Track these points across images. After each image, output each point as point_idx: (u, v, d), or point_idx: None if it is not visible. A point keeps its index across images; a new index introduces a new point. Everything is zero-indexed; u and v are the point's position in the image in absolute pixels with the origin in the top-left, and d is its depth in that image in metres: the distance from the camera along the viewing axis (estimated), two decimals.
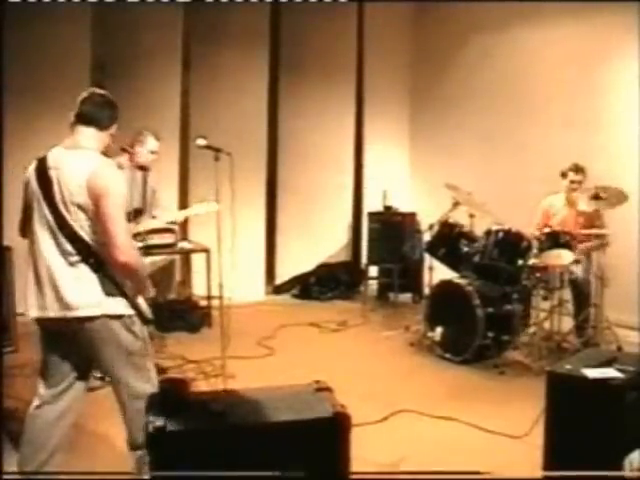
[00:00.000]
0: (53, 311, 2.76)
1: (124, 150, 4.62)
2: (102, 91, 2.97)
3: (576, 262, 5.21)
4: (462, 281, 5.32)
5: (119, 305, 2.77)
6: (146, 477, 2.63)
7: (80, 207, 2.70)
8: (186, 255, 7.03)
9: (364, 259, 7.75)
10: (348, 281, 7.73)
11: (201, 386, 4.48)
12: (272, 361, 5.31)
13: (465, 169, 7.04)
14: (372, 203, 7.80)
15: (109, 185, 2.70)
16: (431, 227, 5.75)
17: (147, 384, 2.82)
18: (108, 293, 2.75)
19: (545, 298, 5.20)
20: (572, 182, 5.51)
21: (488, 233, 5.33)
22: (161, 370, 4.78)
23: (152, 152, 4.73)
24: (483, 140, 7.19)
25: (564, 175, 5.54)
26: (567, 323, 5.31)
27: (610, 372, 2.94)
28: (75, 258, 2.74)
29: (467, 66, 7.44)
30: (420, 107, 8.13)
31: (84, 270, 2.74)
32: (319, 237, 7.86)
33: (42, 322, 2.85)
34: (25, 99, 5.78)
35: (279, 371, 4.82)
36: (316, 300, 7.48)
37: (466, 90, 7.39)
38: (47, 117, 5.58)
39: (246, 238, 6.39)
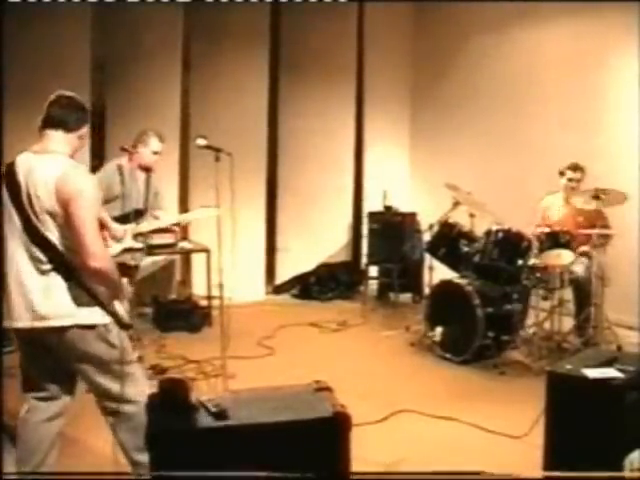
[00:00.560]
0: (23, 321, 2.71)
1: (124, 150, 4.62)
2: (70, 93, 2.91)
3: (585, 254, 5.22)
4: (462, 281, 5.32)
5: (92, 314, 2.71)
6: (146, 477, 2.64)
7: (49, 213, 2.64)
8: (186, 255, 7.03)
9: (364, 259, 7.75)
10: (348, 281, 7.72)
11: (201, 386, 4.48)
12: (272, 361, 5.31)
13: (465, 169, 7.04)
14: (372, 203, 7.80)
15: (78, 189, 2.62)
16: (431, 227, 5.75)
17: (127, 389, 2.77)
18: (80, 302, 2.69)
19: (545, 298, 5.20)
20: (570, 180, 5.53)
21: (488, 233, 5.33)
22: (161, 370, 4.80)
23: (155, 152, 4.73)
24: (483, 140, 7.20)
25: (562, 174, 5.56)
26: (567, 323, 5.31)
27: (610, 372, 2.94)
28: (46, 266, 2.68)
29: (467, 66, 7.44)
30: (420, 107, 8.12)
31: (55, 279, 2.68)
32: (319, 237, 7.85)
33: (16, 332, 2.79)
34: (25, 99, 5.76)
35: (279, 371, 4.83)
36: (316, 300, 7.47)
37: (466, 90, 7.39)
38: None
39: (246, 238, 6.39)
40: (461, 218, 5.71)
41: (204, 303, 6.29)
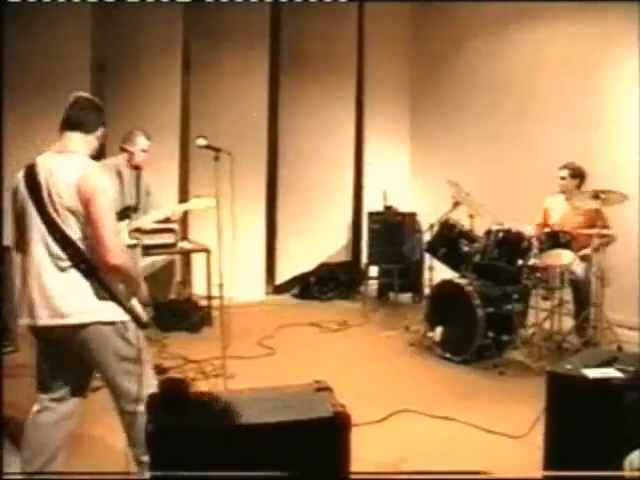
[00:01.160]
0: (43, 319, 2.73)
1: (124, 150, 4.62)
2: (88, 95, 2.96)
3: (581, 258, 5.24)
4: (462, 281, 5.32)
5: (111, 311, 2.74)
6: (146, 477, 2.64)
7: (71, 211, 2.68)
8: (186, 255, 7.04)
9: (364, 259, 7.75)
10: (348, 281, 7.73)
11: (201, 386, 4.48)
12: (272, 361, 5.31)
13: (465, 169, 7.04)
14: (372, 203, 7.80)
15: (98, 188, 2.68)
16: (431, 227, 5.75)
17: (143, 389, 2.78)
18: (100, 299, 2.72)
19: (545, 298, 5.20)
20: (562, 178, 5.57)
21: (488, 233, 5.33)
22: (161, 370, 4.80)
23: (143, 151, 4.74)
24: (483, 140, 7.20)
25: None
26: (567, 323, 5.31)
27: (610, 372, 2.94)
28: (66, 263, 2.71)
29: (467, 66, 7.44)
30: (420, 107, 8.13)
31: (75, 276, 2.71)
32: (319, 237, 7.86)
33: (34, 330, 2.82)
34: (25, 99, 5.78)
35: (279, 371, 4.83)
36: (316, 300, 7.48)
37: (466, 90, 7.39)
38: (47, 117, 5.55)
39: (246, 238, 6.39)
40: (461, 218, 5.71)
41: (204, 303, 6.29)
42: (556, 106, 6.50)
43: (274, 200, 7.79)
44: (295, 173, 7.73)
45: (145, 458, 2.74)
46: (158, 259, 6.77)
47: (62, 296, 2.71)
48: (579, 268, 5.34)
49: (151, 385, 2.84)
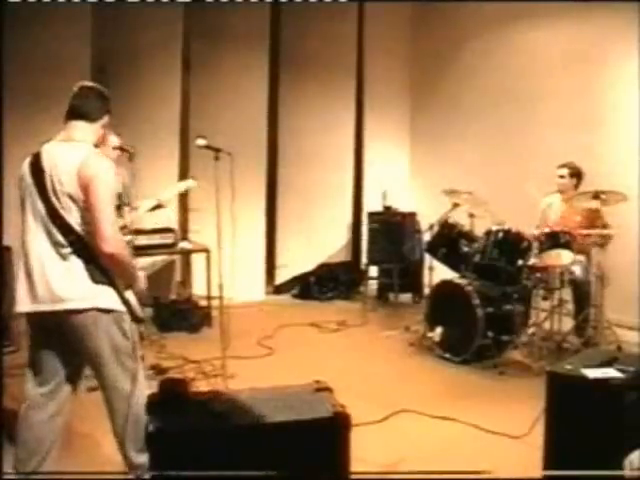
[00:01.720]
0: (44, 304, 2.74)
1: (124, 150, 4.61)
2: (92, 84, 2.98)
3: (580, 258, 5.24)
4: (462, 281, 5.32)
5: (110, 299, 2.75)
6: (146, 477, 2.64)
7: (71, 197, 2.70)
8: (186, 255, 7.03)
9: (364, 259, 7.75)
10: (348, 281, 7.72)
11: (201, 386, 4.47)
12: (272, 361, 5.30)
13: (465, 169, 7.04)
14: (372, 203, 7.80)
15: (97, 174, 2.69)
16: (431, 227, 5.75)
17: (132, 386, 2.76)
18: (99, 286, 2.72)
19: (545, 298, 5.20)
20: (561, 177, 5.58)
21: (488, 233, 5.33)
22: (161, 370, 4.80)
23: (114, 148, 4.74)
24: (483, 140, 7.20)
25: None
26: (567, 323, 5.31)
27: (610, 372, 2.94)
28: (67, 250, 2.72)
29: (467, 66, 7.44)
30: (420, 107, 8.13)
31: (76, 262, 2.73)
32: (319, 237, 7.86)
33: (31, 317, 2.83)
34: (25, 100, 5.77)
35: (279, 371, 4.83)
36: (316, 300, 7.48)
37: (466, 90, 7.39)
38: (47, 118, 5.53)
39: (246, 238, 6.39)
40: (461, 218, 5.71)
41: (204, 303, 6.28)
42: (556, 106, 6.50)
43: (274, 200, 7.78)
44: (295, 173, 7.73)
45: (140, 459, 2.74)
46: (158, 259, 6.77)
47: (62, 282, 2.71)
48: (578, 268, 5.35)
49: (143, 385, 2.83)
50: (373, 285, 7.67)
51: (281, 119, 7.71)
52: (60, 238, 2.73)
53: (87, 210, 2.69)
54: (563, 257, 5.05)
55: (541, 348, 5.07)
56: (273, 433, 2.33)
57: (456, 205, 5.72)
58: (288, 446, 2.31)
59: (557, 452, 2.97)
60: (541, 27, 6.60)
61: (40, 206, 2.75)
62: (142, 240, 5.75)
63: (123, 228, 4.32)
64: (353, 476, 2.44)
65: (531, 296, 5.37)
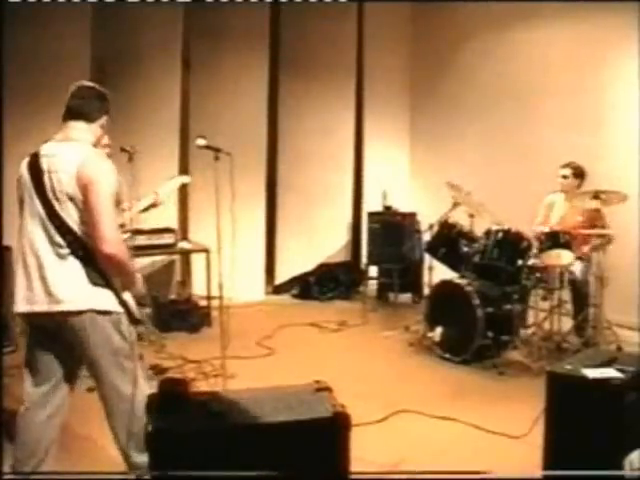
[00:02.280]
0: (41, 305, 2.73)
1: (124, 150, 4.62)
2: (91, 83, 2.97)
3: (580, 259, 5.24)
4: (462, 281, 5.32)
5: (108, 301, 2.73)
6: (146, 477, 2.64)
7: (70, 197, 2.69)
8: (186, 255, 7.03)
9: (364, 259, 7.75)
10: (348, 281, 7.72)
11: (201, 386, 4.48)
12: (272, 361, 5.31)
13: (465, 169, 7.03)
14: (372, 203, 7.80)
15: (97, 174, 2.68)
16: (431, 227, 5.75)
17: (133, 387, 2.76)
18: (96, 287, 2.71)
19: (545, 298, 5.20)
20: (564, 177, 5.57)
21: (488, 233, 5.33)
22: (161, 370, 4.80)
23: (104, 146, 4.73)
24: (483, 140, 7.20)
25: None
26: (567, 323, 5.31)
27: (610, 372, 2.94)
28: (65, 250, 2.71)
29: (467, 66, 7.43)
30: (420, 107, 8.12)
31: (73, 263, 2.71)
32: (319, 237, 7.86)
33: (29, 317, 2.82)
34: (25, 99, 5.78)
35: (279, 371, 4.83)
36: (316, 300, 7.48)
37: (466, 90, 7.39)
38: (47, 118, 5.53)
39: (246, 238, 6.39)
40: (461, 218, 5.71)
41: (204, 303, 6.29)
42: (556, 106, 6.50)
43: (274, 200, 7.78)
44: (295, 173, 7.73)
45: (139, 459, 2.74)
46: (158, 259, 6.77)
47: (60, 283, 2.70)
48: (578, 268, 5.35)
49: (142, 385, 2.82)
50: (373, 285, 7.67)
51: (281, 119, 7.71)
52: (58, 238, 2.72)
53: (86, 210, 2.68)
54: (563, 257, 5.05)
55: (541, 348, 5.07)
56: (273, 433, 2.33)
57: (456, 205, 5.72)
58: (288, 446, 2.31)
59: (557, 452, 2.97)
60: (541, 27, 6.60)
61: (38, 206, 2.74)
62: (142, 240, 5.76)
63: (122, 226, 4.33)
64: (353, 476, 2.44)
65: (530, 296, 5.37)
